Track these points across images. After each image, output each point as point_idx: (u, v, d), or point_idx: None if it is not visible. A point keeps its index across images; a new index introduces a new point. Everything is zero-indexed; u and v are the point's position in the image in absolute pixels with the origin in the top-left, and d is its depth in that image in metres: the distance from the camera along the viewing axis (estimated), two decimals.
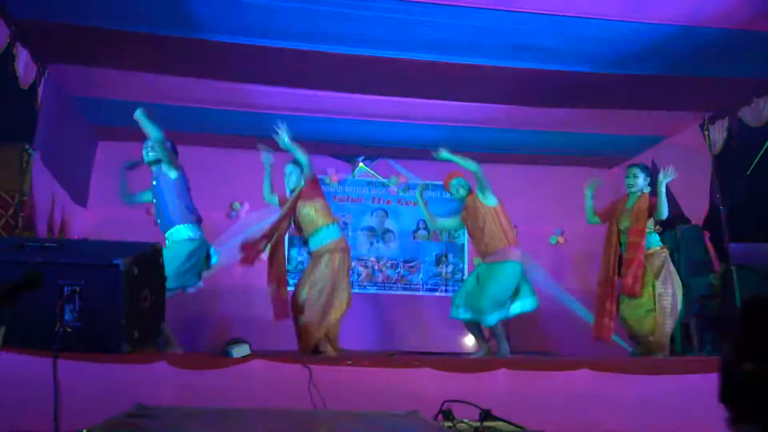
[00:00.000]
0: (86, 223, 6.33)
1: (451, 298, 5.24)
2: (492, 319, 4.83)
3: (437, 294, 7.24)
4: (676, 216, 6.42)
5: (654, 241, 4.97)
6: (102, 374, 2.88)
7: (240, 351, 3.34)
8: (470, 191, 5.06)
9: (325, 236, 4.53)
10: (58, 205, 5.51)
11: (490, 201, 4.93)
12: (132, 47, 4.65)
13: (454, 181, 5.11)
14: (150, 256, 3.38)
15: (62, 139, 5.59)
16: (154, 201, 4.47)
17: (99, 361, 2.91)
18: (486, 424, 2.37)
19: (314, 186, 4.63)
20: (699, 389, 3.13)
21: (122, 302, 3.04)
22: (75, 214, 6.03)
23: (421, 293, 7.26)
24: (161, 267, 3.51)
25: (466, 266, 7.32)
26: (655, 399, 3.06)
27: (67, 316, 2.97)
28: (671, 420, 2.97)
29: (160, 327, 3.52)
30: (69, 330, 2.88)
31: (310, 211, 4.54)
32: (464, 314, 4.97)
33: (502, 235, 4.89)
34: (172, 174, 4.36)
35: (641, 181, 4.89)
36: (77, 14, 4.24)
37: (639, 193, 4.89)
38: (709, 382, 3.15)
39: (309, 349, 4.37)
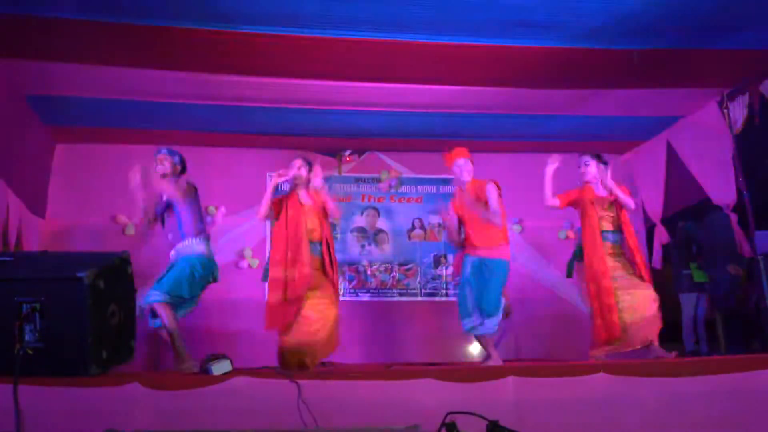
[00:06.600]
0: (45, 235, 6.31)
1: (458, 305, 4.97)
2: (493, 324, 4.77)
3: (437, 299, 7.26)
4: (703, 203, 6.45)
5: (614, 239, 5.13)
6: (68, 400, 2.86)
7: (220, 368, 3.35)
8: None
9: (320, 251, 4.75)
10: (13, 216, 5.48)
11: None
12: (91, 38, 4.63)
13: (462, 161, 5.00)
14: (117, 268, 3.38)
15: (15, 143, 5.57)
16: (167, 213, 4.68)
17: (64, 385, 2.89)
18: None
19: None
20: (723, 390, 3.17)
21: (88, 319, 3.04)
22: (32, 226, 6.00)
23: (419, 298, 7.27)
24: (130, 279, 3.51)
25: None
26: (677, 402, 3.08)
27: (27, 337, 2.97)
28: (695, 423, 2.99)
29: (131, 345, 3.51)
30: (30, 352, 2.90)
31: (320, 225, 4.78)
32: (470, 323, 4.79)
33: (504, 231, 4.94)
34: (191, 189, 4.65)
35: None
36: (26, 3, 4.21)
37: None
38: (734, 382, 3.21)
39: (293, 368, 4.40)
